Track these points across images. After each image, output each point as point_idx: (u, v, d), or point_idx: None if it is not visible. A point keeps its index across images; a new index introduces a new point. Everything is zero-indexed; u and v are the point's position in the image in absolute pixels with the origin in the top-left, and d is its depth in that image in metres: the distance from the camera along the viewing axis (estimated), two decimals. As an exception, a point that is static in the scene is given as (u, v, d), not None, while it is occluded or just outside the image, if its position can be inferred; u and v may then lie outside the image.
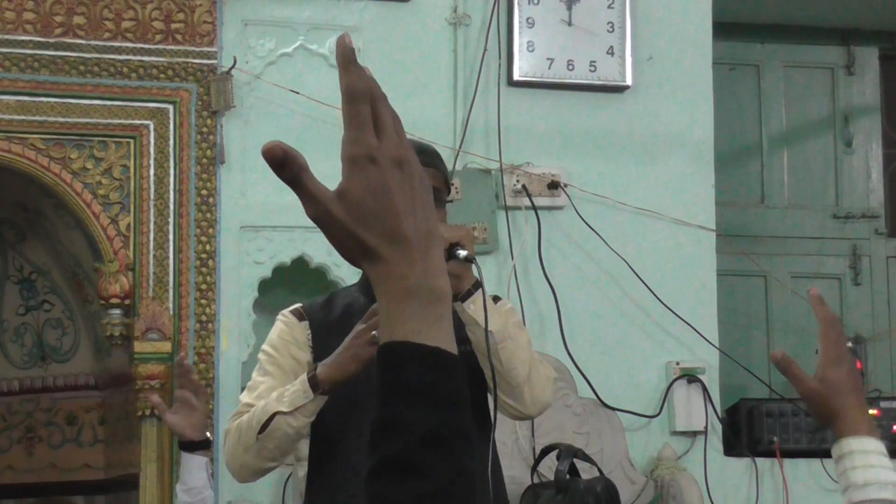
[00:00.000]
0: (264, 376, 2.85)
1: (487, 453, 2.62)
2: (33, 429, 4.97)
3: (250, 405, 2.81)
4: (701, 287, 4.87)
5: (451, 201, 2.86)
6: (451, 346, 1.11)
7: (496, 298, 2.86)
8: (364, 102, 1.13)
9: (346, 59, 1.13)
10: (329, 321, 2.84)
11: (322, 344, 2.81)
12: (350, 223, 1.11)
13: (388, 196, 1.11)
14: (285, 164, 1.11)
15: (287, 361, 2.84)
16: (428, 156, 2.81)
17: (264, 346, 2.91)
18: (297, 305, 2.93)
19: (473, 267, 2.60)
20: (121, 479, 4.71)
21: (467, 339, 2.68)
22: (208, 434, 3.09)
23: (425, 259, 1.11)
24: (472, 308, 2.63)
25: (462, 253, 2.56)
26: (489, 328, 2.60)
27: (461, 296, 2.64)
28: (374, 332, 2.60)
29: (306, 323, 2.87)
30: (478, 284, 2.66)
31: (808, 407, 1.96)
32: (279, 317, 2.93)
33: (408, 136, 1.18)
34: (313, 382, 2.67)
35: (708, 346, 4.82)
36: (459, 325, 2.64)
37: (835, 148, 6.04)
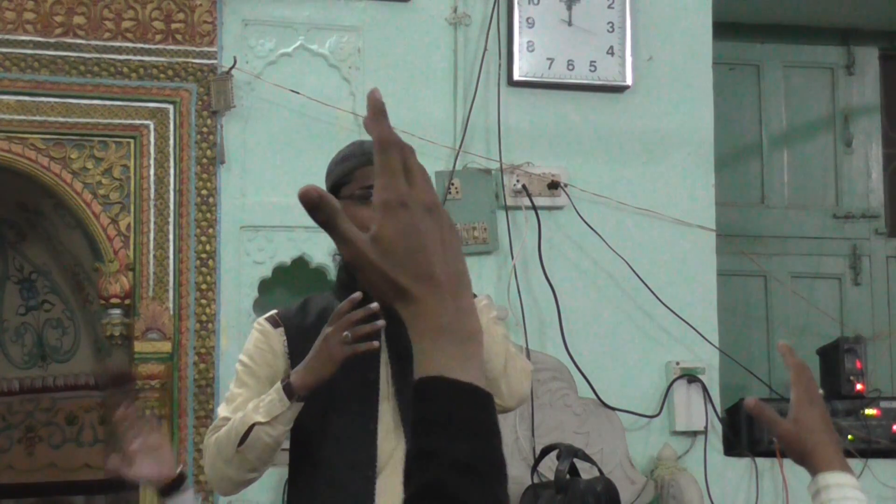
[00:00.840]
0: (241, 388, 2.83)
1: None
2: (33, 429, 4.97)
3: (227, 419, 2.80)
4: (701, 287, 4.87)
5: None
6: (482, 383, 1.17)
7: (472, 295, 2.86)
8: (395, 152, 1.17)
9: (378, 111, 1.17)
10: (304, 326, 2.83)
11: (298, 350, 2.80)
12: (384, 265, 1.16)
13: (419, 239, 1.16)
14: (320, 206, 1.16)
15: (263, 371, 2.83)
16: None
17: (241, 357, 2.89)
18: (273, 312, 2.92)
19: None
20: (121, 479, 4.70)
21: None
22: (181, 467, 2.95)
23: (456, 300, 1.18)
24: None
25: None
26: None
27: None
28: (345, 333, 2.59)
29: (281, 329, 2.85)
30: None
31: (784, 447, 2.10)
32: (254, 325, 2.91)
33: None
34: (288, 390, 2.66)
35: (708, 346, 4.82)
36: None
37: (835, 148, 6.04)
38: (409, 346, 2.89)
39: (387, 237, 1.16)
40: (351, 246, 1.16)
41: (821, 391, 2.13)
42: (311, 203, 1.15)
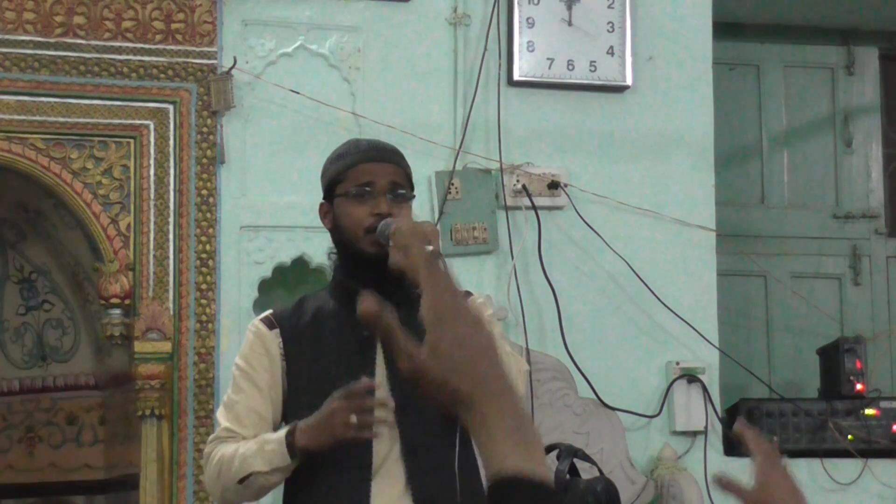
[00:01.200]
0: (239, 394, 2.81)
1: (466, 452, 2.62)
2: (33, 429, 4.97)
3: (231, 431, 2.77)
4: (701, 287, 4.87)
5: (415, 197, 2.84)
6: (550, 480, 1.25)
7: (467, 294, 2.84)
8: (440, 266, 1.28)
9: (425, 239, 1.28)
10: (300, 327, 2.81)
11: (294, 351, 2.78)
12: (444, 374, 1.24)
13: (473, 348, 1.26)
14: (379, 324, 1.25)
15: (260, 376, 2.80)
16: (388, 153, 2.80)
17: (237, 360, 2.86)
18: (268, 313, 2.88)
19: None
20: (121, 479, 4.71)
21: None
22: None
23: (512, 402, 1.25)
24: None
25: (428, 248, 2.56)
26: None
27: None
28: (353, 416, 2.58)
29: (277, 331, 2.82)
30: None
31: None
32: (249, 327, 2.87)
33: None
34: (291, 449, 2.65)
35: (708, 346, 4.82)
36: None
37: (835, 148, 6.04)
38: None
39: (444, 348, 1.24)
40: (410, 359, 1.25)
41: (785, 460, 2.16)
42: (370, 321, 1.25)
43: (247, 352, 2.83)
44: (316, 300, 2.86)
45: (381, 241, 2.63)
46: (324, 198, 2.81)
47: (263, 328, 2.83)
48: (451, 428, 2.67)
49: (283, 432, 2.68)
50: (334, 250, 2.85)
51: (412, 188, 2.81)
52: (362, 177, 2.74)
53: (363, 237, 2.69)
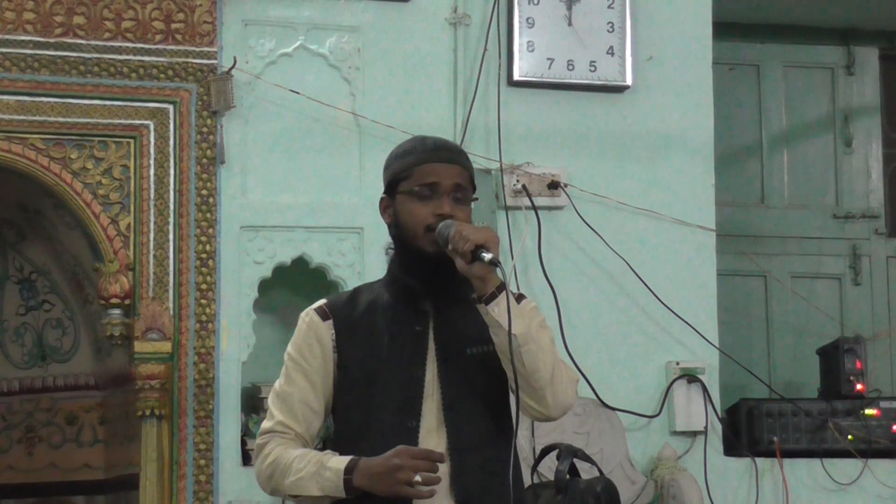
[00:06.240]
0: (291, 386, 2.81)
1: (509, 455, 2.62)
2: (33, 429, 4.98)
3: (285, 426, 2.77)
4: (701, 287, 4.87)
5: (477, 199, 2.86)
6: None
7: (520, 297, 2.84)
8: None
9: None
10: (353, 318, 2.82)
11: (346, 342, 2.79)
12: None
13: None
14: None
15: (313, 369, 2.80)
16: (454, 153, 2.81)
17: (289, 350, 2.86)
18: (322, 302, 2.88)
19: (498, 269, 2.61)
20: (121, 479, 4.71)
21: (491, 339, 2.68)
22: None
23: None
24: (496, 311, 2.62)
25: (487, 256, 2.58)
26: (513, 331, 2.60)
27: (485, 298, 2.63)
28: (417, 477, 2.58)
29: (330, 322, 2.82)
30: (502, 287, 2.65)
31: None
32: (302, 316, 2.87)
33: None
34: (348, 485, 2.66)
35: (708, 346, 4.82)
36: (484, 327, 2.64)
37: (835, 148, 6.04)
38: (456, 348, 2.90)
39: None
40: None
41: None
42: None
43: (300, 342, 2.83)
44: (370, 292, 2.87)
45: (439, 242, 2.65)
46: (385, 192, 2.82)
47: (317, 318, 2.83)
48: (499, 429, 2.68)
49: (342, 465, 2.67)
50: (392, 245, 2.87)
51: (474, 190, 2.82)
52: (427, 176, 2.75)
53: (423, 235, 2.71)
